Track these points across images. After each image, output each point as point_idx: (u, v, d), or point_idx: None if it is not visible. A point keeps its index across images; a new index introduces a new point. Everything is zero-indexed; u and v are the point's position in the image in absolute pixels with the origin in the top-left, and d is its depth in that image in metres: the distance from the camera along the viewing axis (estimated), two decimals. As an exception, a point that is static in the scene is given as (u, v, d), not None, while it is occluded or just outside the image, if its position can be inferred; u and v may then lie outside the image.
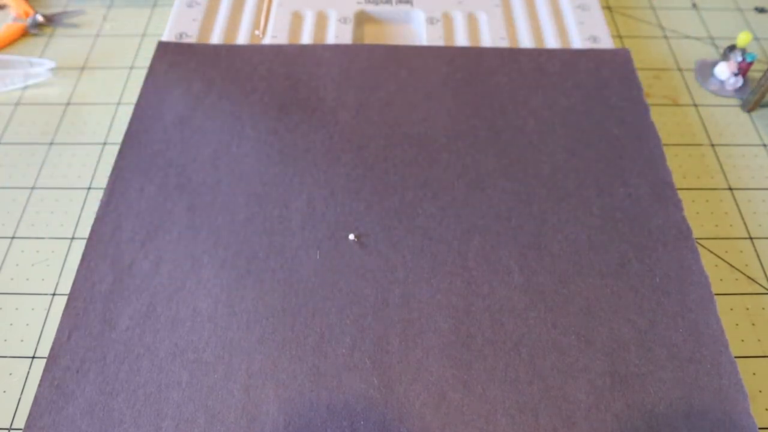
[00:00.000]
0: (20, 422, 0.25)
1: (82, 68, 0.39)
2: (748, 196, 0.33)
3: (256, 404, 0.25)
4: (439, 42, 0.39)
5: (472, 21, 0.40)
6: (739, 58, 0.38)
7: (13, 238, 0.31)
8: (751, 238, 0.31)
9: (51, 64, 0.38)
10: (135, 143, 0.33)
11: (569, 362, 0.26)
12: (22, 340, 0.28)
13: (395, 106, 0.35)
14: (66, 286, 0.29)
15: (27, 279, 0.29)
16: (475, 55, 0.37)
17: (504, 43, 0.38)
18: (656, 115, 0.36)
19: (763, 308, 0.29)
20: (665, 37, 0.42)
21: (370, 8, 0.41)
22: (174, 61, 0.37)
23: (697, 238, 0.31)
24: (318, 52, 0.37)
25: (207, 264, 0.29)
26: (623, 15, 0.43)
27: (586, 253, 0.29)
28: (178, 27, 0.39)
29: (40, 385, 0.25)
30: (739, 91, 0.38)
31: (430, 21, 0.40)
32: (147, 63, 0.39)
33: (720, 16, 0.43)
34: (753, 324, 0.28)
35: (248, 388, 0.25)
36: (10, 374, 0.27)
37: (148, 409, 0.24)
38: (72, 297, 0.27)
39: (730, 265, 0.30)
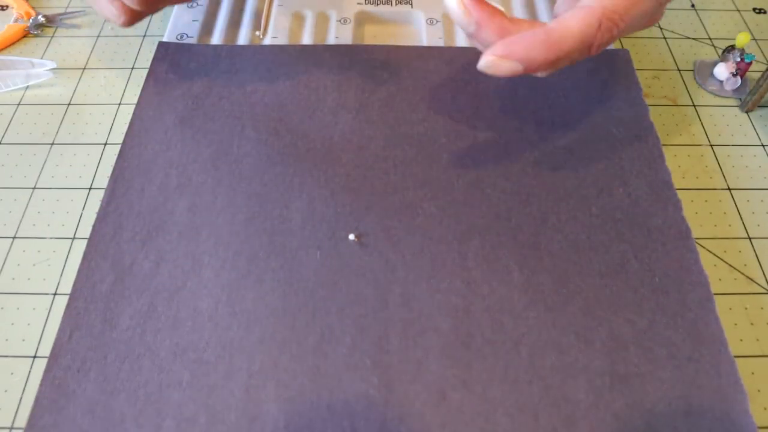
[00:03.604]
0: (21, 421, 0.25)
1: (83, 69, 0.39)
2: (747, 196, 0.33)
3: (257, 404, 0.25)
4: (439, 42, 0.39)
5: (471, 21, 0.40)
6: (738, 59, 0.38)
7: (14, 237, 0.31)
8: (749, 238, 0.31)
9: (52, 64, 0.38)
10: (136, 143, 0.33)
11: (569, 362, 0.26)
12: (23, 340, 0.28)
13: (395, 106, 0.35)
14: (67, 286, 0.29)
15: (28, 279, 0.30)
16: (475, 55, 0.37)
17: (504, 44, 0.39)
18: (655, 116, 0.36)
19: (762, 308, 0.29)
20: (664, 37, 0.42)
21: (370, 9, 0.41)
22: (174, 61, 0.37)
23: (696, 238, 0.31)
24: (318, 52, 0.37)
25: (207, 264, 0.29)
26: (623, 15, 0.43)
27: (586, 253, 0.29)
28: (179, 27, 0.39)
29: (41, 385, 0.25)
30: (737, 91, 0.38)
31: (430, 21, 0.40)
32: (148, 63, 0.39)
33: (719, 17, 0.43)
34: (752, 323, 0.28)
35: (249, 387, 0.25)
36: (12, 374, 0.27)
37: (149, 409, 0.25)
38: (73, 297, 0.27)
39: (729, 264, 0.30)
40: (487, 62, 0.24)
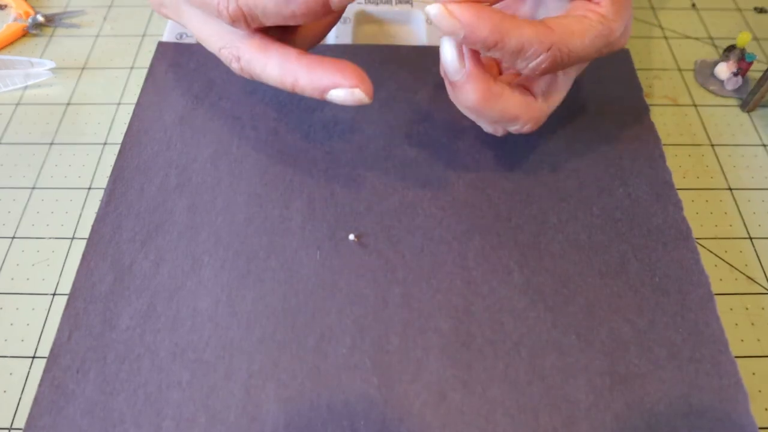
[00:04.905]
0: (20, 422, 0.25)
1: (83, 68, 0.39)
2: (748, 196, 0.33)
3: (257, 404, 0.25)
4: (439, 42, 0.39)
5: (472, 21, 0.40)
6: (739, 58, 0.38)
7: (13, 238, 0.31)
8: (750, 238, 0.31)
9: (51, 64, 0.38)
10: (135, 143, 0.33)
11: (569, 362, 0.26)
12: (22, 340, 0.28)
13: (395, 106, 0.35)
14: (66, 286, 0.29)
15: (27, 279, 0.29)
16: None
17: (504, 44, 0.38)
18: (656, 115, 0.36)
19: (763, 308, 0.29)
20: (665, 37, 0.42)
21: (370, 8, 0.41)
22: (174, 61, 0.37)
23: (696, 238, 0.31)
24: (318, 52, 0.37)
25: (207, 264, 0.29)
26: (623, 15, 0.43)
27: (586, 253, 0.29)
28: (178, 27, 0.39)
29: (40, 385, 0.25)
30: (738, 91, 0.38)
31: (430, 21, 0.40)
32: (147, 63, 0.39)
33: (719, 16, 0.43)
34: (752, 324, 0.28)
35: (248, 387, 0.25)
36: (11, 374, 0.27)
37: (149, 409, 0.25)
38: (72, 297, 0.27)
39: (730, 265, 0.30)
40: (434, 10, 0.24)
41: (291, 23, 0.26)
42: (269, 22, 0.26)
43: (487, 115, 0.27)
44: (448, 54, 0.26)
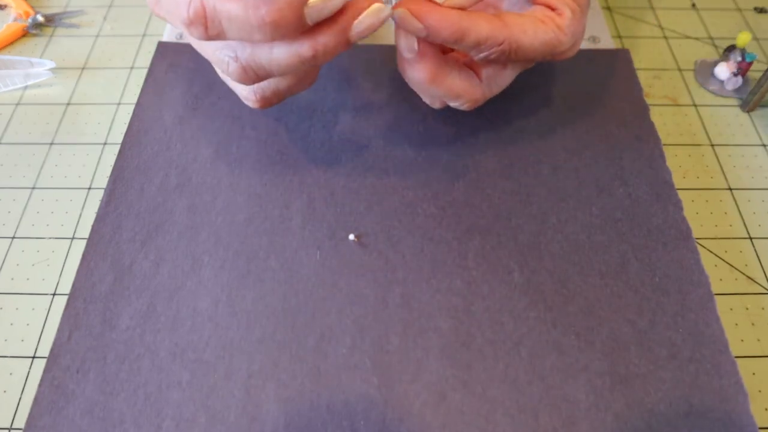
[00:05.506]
0: (20, 422, 0.25)
1: (83, 68, 0.39)
2: (748, 196, 0.33)
3: (257, 404, 0.25)
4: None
5: (472, 21, 0.40)
6: (739, 58, 0.38)
7: (13, 238, 0.31)
8: (750, 238, 0.31)
9: (51, 64, 0.38)
10: (135, 143, 0.33)
11: (569, 362, 0.26)
12: (22, 340, 0.28)
13: (395, 106, 0.35)
14: (66, 286, 0.29)
15: (27, 279, 0.29)
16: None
17: (504, 44, 0.38)
18: (656, 115, 0.36)
19: (763, 308, 0.29)
20: (665, 37, 0.42)
21: (370, 8, 0.41)
22: (174, 61, 0.37)
23: (696, 238, 0.31)
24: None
25: (207, 264, 0.29)
26: (623, 15, 0.43)
27: (586, 253, 0.29)
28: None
29: (40, 385, 0.25)
30: (738, 91, 0.38)
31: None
32: (147, 63, 0.39)
33: (719, 16, 0.43)
34: (753, 324, 0.28)
35: (248, 388, 0.25)
36: (11, 374, 0.27)
37: (149, 409, 0.25)
38: (72, 297, 0.27)
39: (730, 265, 0.30)
40: (399, 14, 0.25)
41: (258, 38, 0.23)
42: (234, 33, 0.23)
43: (433, 92, 0.28)
44: (402, 34, 0.26)
